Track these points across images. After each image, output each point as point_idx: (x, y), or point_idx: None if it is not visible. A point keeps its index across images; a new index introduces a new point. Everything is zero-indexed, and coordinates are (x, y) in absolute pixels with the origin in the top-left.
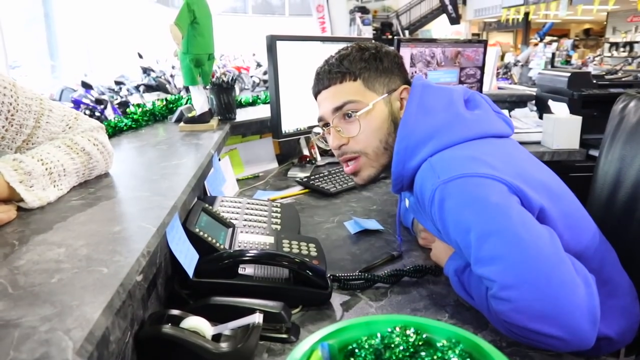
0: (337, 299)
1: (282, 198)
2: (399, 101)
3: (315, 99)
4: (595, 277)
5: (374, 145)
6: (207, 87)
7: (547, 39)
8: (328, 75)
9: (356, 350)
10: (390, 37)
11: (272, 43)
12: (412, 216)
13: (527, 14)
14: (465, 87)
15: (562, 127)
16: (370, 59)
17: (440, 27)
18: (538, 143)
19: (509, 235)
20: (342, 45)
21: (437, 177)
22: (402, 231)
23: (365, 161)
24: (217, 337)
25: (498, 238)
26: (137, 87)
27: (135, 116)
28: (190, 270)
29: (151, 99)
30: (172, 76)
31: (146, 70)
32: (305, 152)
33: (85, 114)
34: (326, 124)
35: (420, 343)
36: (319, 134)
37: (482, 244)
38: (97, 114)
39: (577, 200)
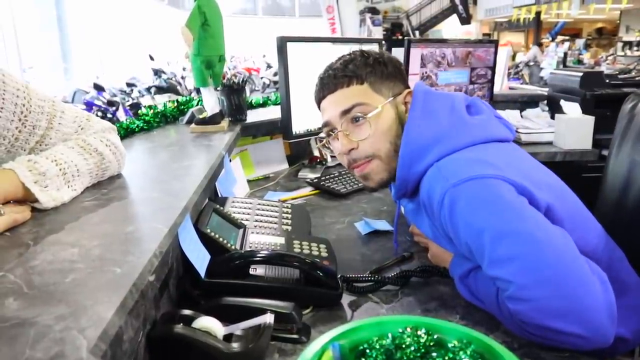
0: (347, 300)
1: (292, 199)
2: (404, 105)
3: (319, 105)
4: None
5: (385, 147)
6: (218, 88)
7: (559, 38)
8: (334, 80)
9: (367, 351)
10: (400, 37)
11: (282, 44)
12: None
13: (538, 14)
14: (465, 94)
15: (575, 127)
16: (375, 63)
17: (450, 28)
18: (550, 143)
19: (523, 235)
20: (352, 46)
21: (447, 180)
22: (407, 232)
23: (378, 164)
24: (228, 337)
25: (513, 238)
26: (148, 89)
27: (146, 118)
28: (202, 270)
29: (162, 101)
30: (183, 78)
31: (157, 72)
32: (316, 153)
33: (97, 115)
34: (332, 130)
35: (431, 344)
36: (323, 140)
37: (497, 245)
38: (109, 115)
39: (580, 202)
